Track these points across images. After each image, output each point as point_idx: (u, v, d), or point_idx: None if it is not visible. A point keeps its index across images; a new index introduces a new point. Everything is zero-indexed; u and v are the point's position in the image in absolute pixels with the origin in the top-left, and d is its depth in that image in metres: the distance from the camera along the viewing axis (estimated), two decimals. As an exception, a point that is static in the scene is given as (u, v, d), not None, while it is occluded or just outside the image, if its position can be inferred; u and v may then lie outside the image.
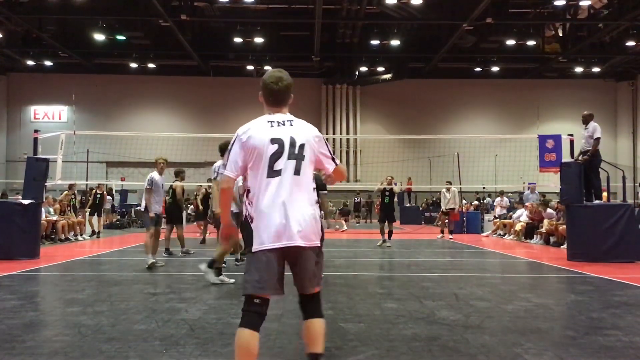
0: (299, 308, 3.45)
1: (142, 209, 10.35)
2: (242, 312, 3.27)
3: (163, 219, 12.83)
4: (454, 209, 18.31)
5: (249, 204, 3.30)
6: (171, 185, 12.66)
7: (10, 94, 35.35)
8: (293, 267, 3.30)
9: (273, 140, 3.22)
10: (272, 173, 3.20)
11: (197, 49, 29.75)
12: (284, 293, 3.28)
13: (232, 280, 8.06)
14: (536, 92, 33.87)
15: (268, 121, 3.31)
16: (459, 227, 20.94)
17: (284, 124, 3.30)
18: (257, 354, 3.19)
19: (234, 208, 10.43)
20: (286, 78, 3.37)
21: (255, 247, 3.21)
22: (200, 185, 20.75)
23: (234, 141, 3.28)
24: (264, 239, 3.19)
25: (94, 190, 18.38)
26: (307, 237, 3.22)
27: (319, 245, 3.33)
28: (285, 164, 3.21)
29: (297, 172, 3.23)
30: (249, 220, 3.28)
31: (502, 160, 26.44)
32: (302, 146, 3.27)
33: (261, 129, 3.26)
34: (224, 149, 8.30)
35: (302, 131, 3.33)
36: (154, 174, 10.23)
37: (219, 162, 8.47)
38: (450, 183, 19.01)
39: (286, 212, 3.18)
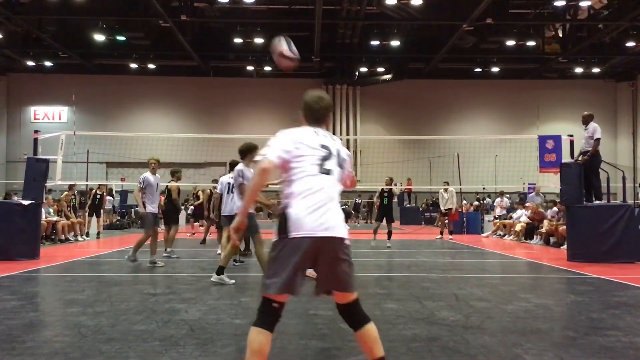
0: (344, 320, 3.41)
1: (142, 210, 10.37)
2: (259, 312, 3.26)
3: (161, 220, 12.83)
4: (451, 209, 18.31)
5: (287, 193, 3.29)
6: (167, 186, 12.67)
7: (10, 95, 35.37)
8: (326, 265, 3.25)
9: (322, 145, 3.37)
10: (323, 170, 3.32)
11: (197, 50, 29.77)
12: (297, 293, 3.25)
13: (232, 281, 8.04)
14: (536, 92, 33.89)
15: (313, 130, 3.44)
16: (458, 228, 20.95)
17: (327, 137, 3.46)
18: (267, 355, 3.21)
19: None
20: (326, 98, 3.58)
21: (293, 234, 3.18)
22: (196, 186, 20.71)
23: (278, 136, 3.36)
24: (303, 226, 3.18)
25: (94, 191, 18.37)
26: (343, 233, 3.29)
27: (349, 244, 3.37)
28: (333, 167, 3.37)
29: (339, 179, 3.42)
30: (284, 208, 3.26)
31: (502, 160, 26.45)
32: (343, 160, 3.47)
33: (308, 133, 3.40)
34: (244, 151, 8.24)
35: (342, 148, 3.52)
36: (147, 174, 10.31)
37: (240, 166, 8.27)
38: (448, 183, 19.01)
39: (329, 208, 3.26)
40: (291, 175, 3.29)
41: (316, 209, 3.21)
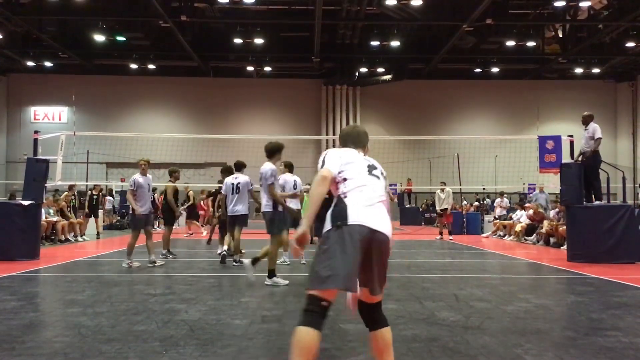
0: (362, 319, 3.35)
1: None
2: (306, 311, 3.12)
3: (156, 219, 12.77)
4: (446, 209, 18.30)
5: (342, 189, 3.33)
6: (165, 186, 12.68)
7: (10, 95, 35.35)
8: (374, 259, 3.23)
9: (366, 160, 3.54)
10: (372, 175, 3.44)
11: (197, 50, 29.76)
12: (357, 290, 3.18)
13: (286, 282, 7.95)
14: (536, 93, 33.88)
15: (356, 151, 3.59)
16: (458, 228, 20.95)
17: (367, 157, 3.59)
18: (315, 356, 3.10)
19: (242, 209, 10.43)
20: (361, 127, 3.86)
21: (351, 221, 3.17)
22: (187, 186, 20.62)
23: (327, 153, 3.49)
24: (360, 216, 3.19)
25: (90, 192, 18.25)
26: (390, 233, 3.32)
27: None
28: (379, 175, 3.50)
29: (385, 188, 3.50)
30: (343, 197, 3.28)
31: (502, 161, 26.45)
32: (385, 177, 3.59)
33: (352, 152, 3.56)
34: (273, 150, 8.20)
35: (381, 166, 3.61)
36: (137, 175, 10.31)
37: (267, 166, 8.14)
38: (445, 183, 19.01)
39: (381, 208, 3.32)
40: (344, 176, 3.35)
41: (371, 205, 3.26)
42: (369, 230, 3.18)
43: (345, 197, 3.27)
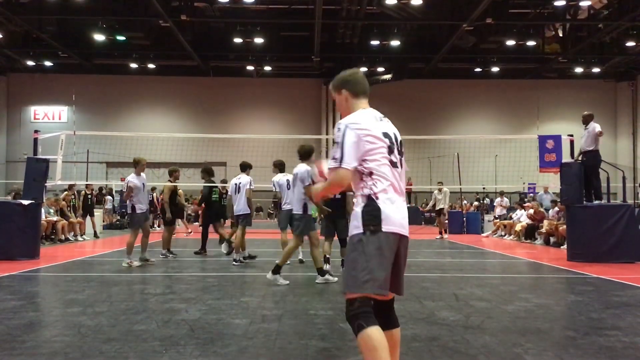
0: (378, 317, 3.22)
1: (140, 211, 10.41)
2: (362, 312, 3.04)
3: (157, 219, 12.77)
4: (442, 209, 18.26)
5: (369, 186, 3.16)
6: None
7: (10, 94, 35.33)
8: (398, 264, 3.20)
9: (384, 134, 3.24)
10: (393, 164, 3.22)
11: (197, 49, 29.75)
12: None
13: (287, 282, 7.90)
14: (536, 92, 33.84)
15: (372, 115, 3.30)
16: (459, 228, 20.95)
17: (383, 121, 3.32)
18: None
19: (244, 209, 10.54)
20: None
21: (385, 227, 3.09)
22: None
23: (346, 132, 3.15)
24: (393, 221, 3.11)
25: (82, 192, 18.14)
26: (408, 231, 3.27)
27: None
28: (397, 158, 3.26)
29: (401, 166, 3.30)
30: (374, 198, 3.12)
31: (502, 160, 26.43)
32: (401, 143, 3.36)
33: (372, 122, 3.25)
34: (306, 153, 8.29)
35: (396, 130, 3.38)
36: (131, 176, 10.38)
37: (303, 167, 8.23)
38: (442, 183, 18.97)
39: (404, 206, 3.24)
40: (369, 169, 3.16)
41: (398, 206, 3.17)
42: (399, 236, 3.15)
43: (377, 198, 3.12)
